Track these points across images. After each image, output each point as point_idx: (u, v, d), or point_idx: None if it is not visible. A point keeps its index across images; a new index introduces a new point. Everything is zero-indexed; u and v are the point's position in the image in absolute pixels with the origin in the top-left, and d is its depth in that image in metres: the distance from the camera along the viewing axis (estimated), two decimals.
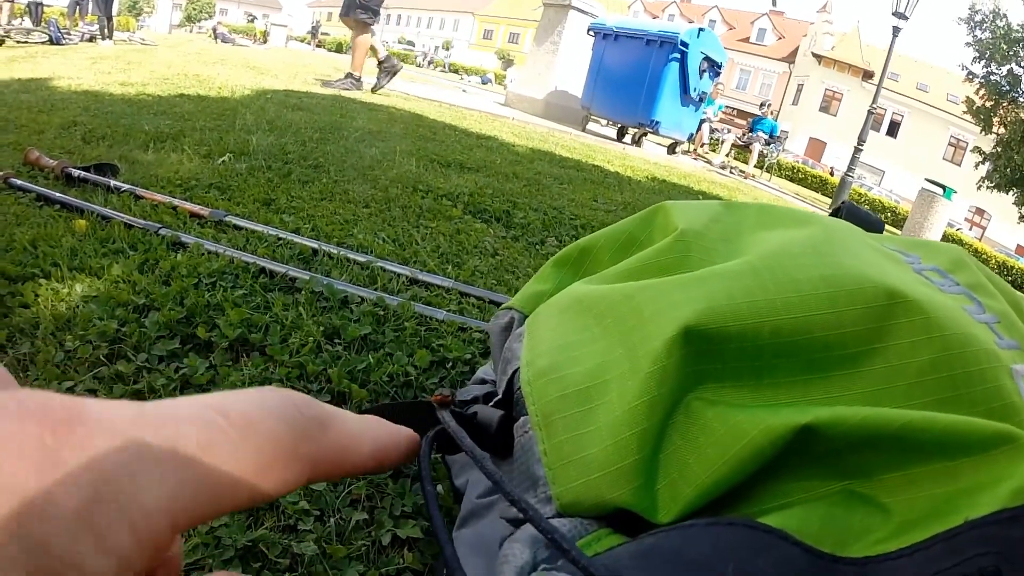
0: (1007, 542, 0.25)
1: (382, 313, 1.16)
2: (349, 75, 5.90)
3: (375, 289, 1.29)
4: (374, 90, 6.02)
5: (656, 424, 0.34)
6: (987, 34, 13.81)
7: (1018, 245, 28.22)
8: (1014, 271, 14.75)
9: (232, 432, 0.18)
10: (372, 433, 0.26)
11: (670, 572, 0.27)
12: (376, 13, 5.85)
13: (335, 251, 1.43)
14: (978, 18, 14.01)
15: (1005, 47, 13.43)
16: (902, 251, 0.50)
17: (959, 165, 29.05)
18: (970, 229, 28.71)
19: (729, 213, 0.54)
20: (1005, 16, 13.76)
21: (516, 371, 0.43)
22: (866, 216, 0.67)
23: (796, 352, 0.36)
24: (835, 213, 0.69)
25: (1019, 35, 13.29)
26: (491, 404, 0.44)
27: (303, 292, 1.18)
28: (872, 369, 0.36)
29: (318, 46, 25.05)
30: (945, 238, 13.31)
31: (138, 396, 0.84)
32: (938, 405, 0.34)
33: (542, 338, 0.43)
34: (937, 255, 0.50)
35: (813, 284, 0.38)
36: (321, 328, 1.06)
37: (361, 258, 1.42)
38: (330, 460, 0.22)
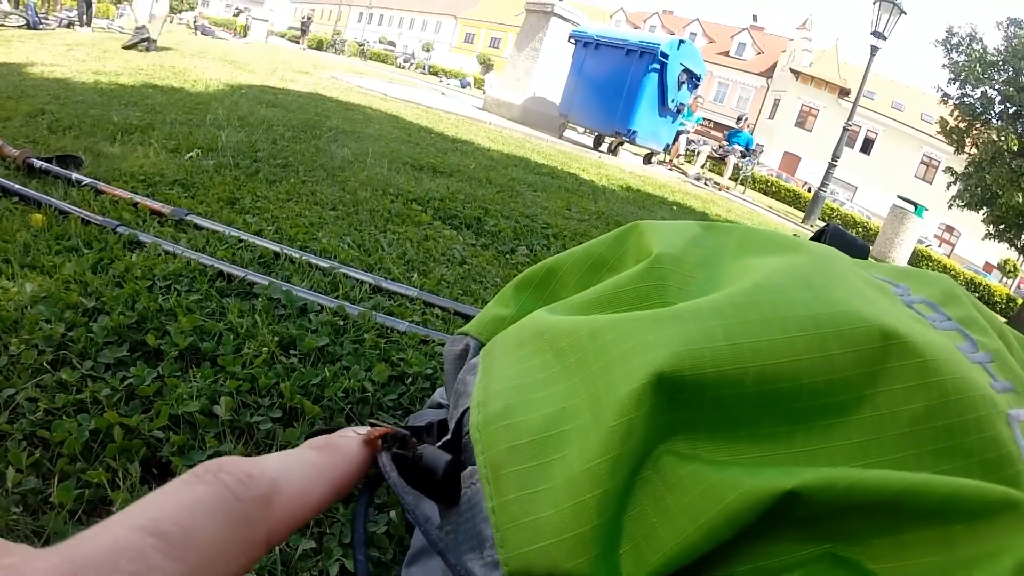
0: None
1: (342, 323, 1.14)
2: (138, 30, 6.09)
3: (336, 297, 1.26)
4: (125, 46, 6.07)
5: (619, 485, 0.31)
6: (963, 57, 14.04)
7: (986, 262, 28.80)
8: (981, 287, 15.07)
9: (171, 555, 0.19)
10: (322, 473, 0.26)
11: None
12: None
13: (297, 255, 1.40)
14: (954, 41, 14.24)
15: (980, 70, 13.66)
16: (890, 281, 0.47)
17: (930, 183, 29.58)
18: (940, 246, 29.24)
19: (709, 236, 0.50)
20: (981, 40, 14.01)
21: (467, 410, 0.40)
22: (852, 240, 0.63)
23: (779, 401, 0.33)
24: (818, 236, 0.64)
25: (994, 58, 13.54)
26: (439, 444, 0.42)
27: (260, 298, 1.15)
28: (861, 418, 0.33)
29: (305, 44, 23.79)
30: (915, 254, 13.59)
31: (80, 407, 0.81)
32: (932, 456, 0.32)
33: (496, 376, 0.39)
34: (927, 286, 0.47)
35: (802, 324, 0.35)
36: (276, 338, 1.03)
37: (324, 263, 1.39)
38: (284, 527, 0.23)
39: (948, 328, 0.41)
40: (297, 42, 25.64)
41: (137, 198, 1.55)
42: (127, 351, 0.92)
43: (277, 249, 1.41)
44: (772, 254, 0.46)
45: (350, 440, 0.30)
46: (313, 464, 0.26)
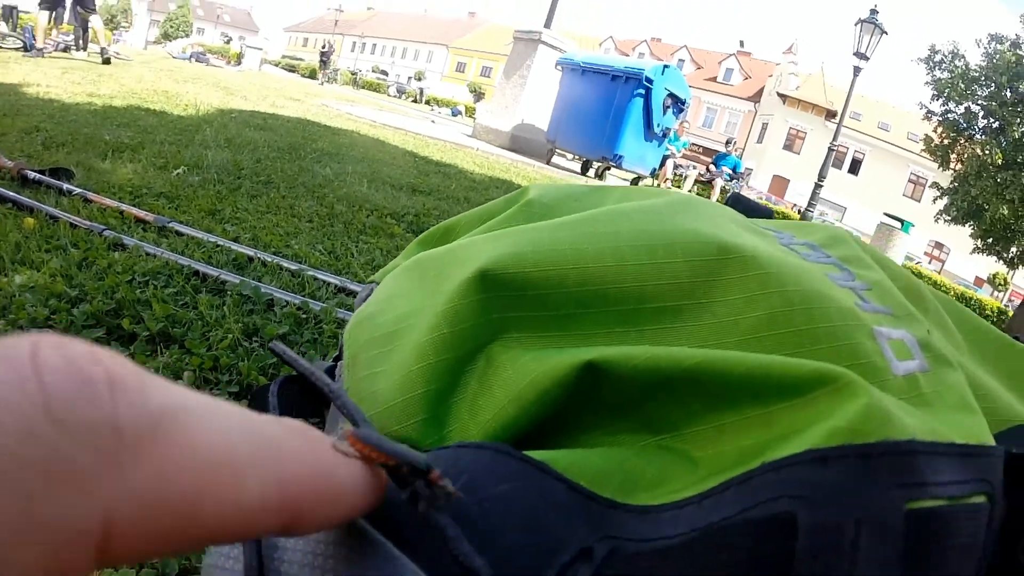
0: (812, 486, 0.23)
1: (304, 316, 1.24)
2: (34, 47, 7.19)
3: (303, 295, 1.36)
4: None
5: (445, 362, 0.33)
6: (945, 74, 14.20)
7: (976, 277, 28.94)
8: (972, 301, 15.17)
9: None
10: (274, 454, 0.15)
11: None
12: (50, 6, 7.38)
13: (270, 259, 1.50)
14: (937, 58, 14.41)
15: (963, 86, 13.81)
16: (775, 229, 0.47)
17: (918, 201, 29.85)
18: (930, 263, 29.37)
19: (593, 193, 0.52)
20: (963, 56, 14.19)
21: None
22: (754, 205, 0.66)
23: (606, 302, 0.34)
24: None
25: (976, 74, 13.70)
26: (333, 358, 0.50)
27: (231, 294, 1.26)
28: (699, 324, 0.34)
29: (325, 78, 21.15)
30: None
31: None
32: None
33: (374, 297, 0.43)
34: (813, 233, 0.47)
35: (632, 236, 0.37)
36: (241, 326, 1.14)
37: (293, 266, 1.49)
38: (150, 516, 0.12)
39: (824, 262, 0.41)
40: (294, 70, 25.06)
41: (123, 207, 1.65)
42: (103, 333, 1.03)
43: (251, 253, 1.52)
44: (644, 199, 0.47)
45: (351, 458, 0.19)
46: (270, 435, 0.15)
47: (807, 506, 0.22)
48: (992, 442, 0.29)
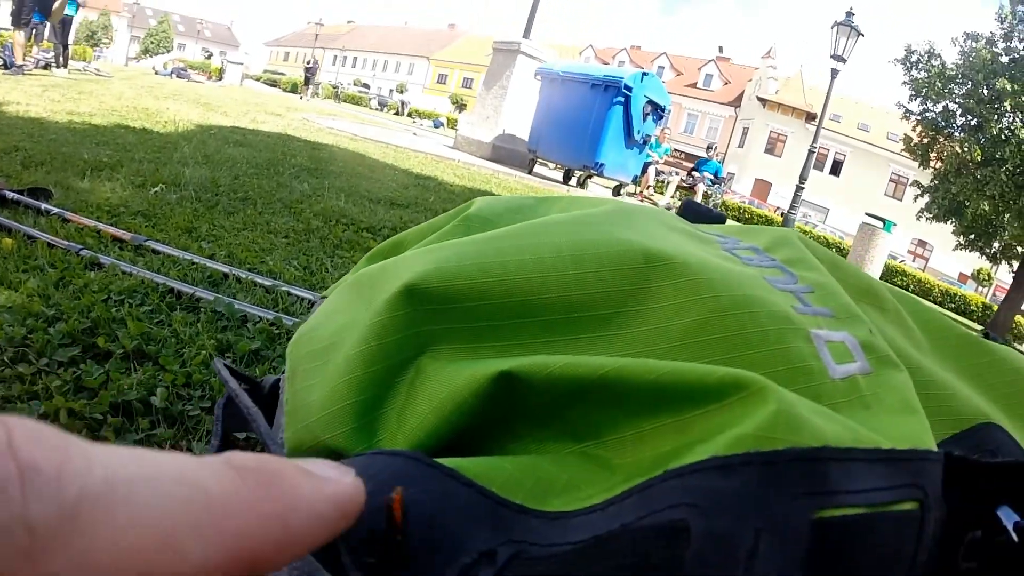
0: (710, 494, 0.23)
1: (277, 331, 1.27)
2: (14, 65, 7.27)
3: (276, 311, 1.39)
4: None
5: (373, 373, 0.34)
6: (922, 73, 14.31)
7: (960, 273, 29.25)
8: (957, 298, 15.35)
9: None
10: (217, 511, 0.15)
11: None
12: (25, 23, 7.51)
13: (244, 275, 1.53)
14: (914, 58, 14.53)
15: (940, 85, 13.91)
16: (720, 235, 0.48)
17: (900, 200, 30.19)
18: (913, 261, 29.67)
19: (538, 205, 0.54)
20: (939, 56, 14.31)
21: None
22: (705, 211, 0.68)
23: (531, 313, 0.35)
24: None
25: (953, 73, 13.82)
26: (281, 373, 0.53)
27: (205, 311, 1.28)
28: (629, 332, 0.35)
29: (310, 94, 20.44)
30: (888, 269, 13.82)
31: (33, 395, 0.94)
32: None
33: (318, 310, 0.45)
34: (759, 236, 0.48)
35: (556, 248, 0.37)
36: (214, 342, 1.17)
37: (267, 282, 1.52)
38: None
39: (766, 265, 0.41)
40: (276, 85, 25.11)
41: (100, 226, 1.68)
42: (79, 351, 1.05)
43: (226, 270, 1.54)
44: (580, 209, 0.48)
45: (323, 476, 0.18)
46: (214, 491, 0.15)
47: (702, 514, 0.22)
48: (932, 445, 0.29)
